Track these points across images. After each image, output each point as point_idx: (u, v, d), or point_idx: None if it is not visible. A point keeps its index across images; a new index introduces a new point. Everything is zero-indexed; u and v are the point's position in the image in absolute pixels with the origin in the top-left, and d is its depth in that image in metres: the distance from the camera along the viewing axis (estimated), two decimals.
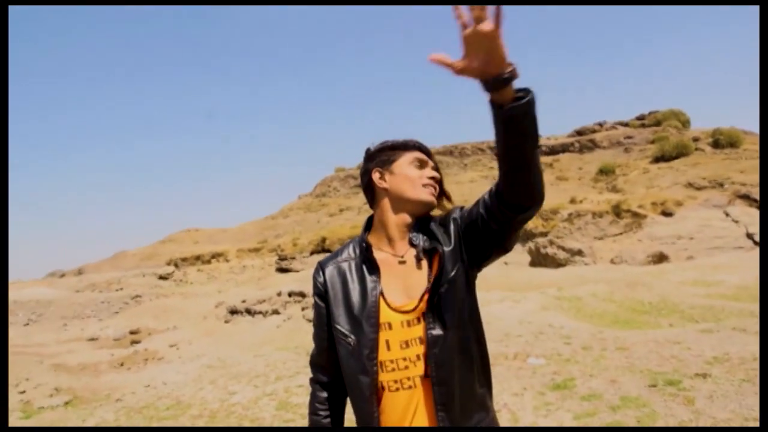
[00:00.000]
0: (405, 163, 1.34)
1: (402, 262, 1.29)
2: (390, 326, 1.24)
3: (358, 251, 1.35)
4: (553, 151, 47.08)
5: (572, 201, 28.82)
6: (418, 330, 1.22)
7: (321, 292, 1.37)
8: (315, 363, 1.46)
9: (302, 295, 18.83)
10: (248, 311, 18.36)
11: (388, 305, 1.25)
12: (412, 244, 1.30)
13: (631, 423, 3.65)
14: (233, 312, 18.31)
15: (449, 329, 1.21)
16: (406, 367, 1.23)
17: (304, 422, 4.67)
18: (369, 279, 1.29)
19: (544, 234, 25.80)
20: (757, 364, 4.30)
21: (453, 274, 1.24)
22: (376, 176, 1.35)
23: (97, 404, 7.66)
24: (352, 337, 1.26)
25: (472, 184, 42.29)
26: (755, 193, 22.68)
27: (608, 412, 3.96)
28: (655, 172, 33.05)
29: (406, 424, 1.22)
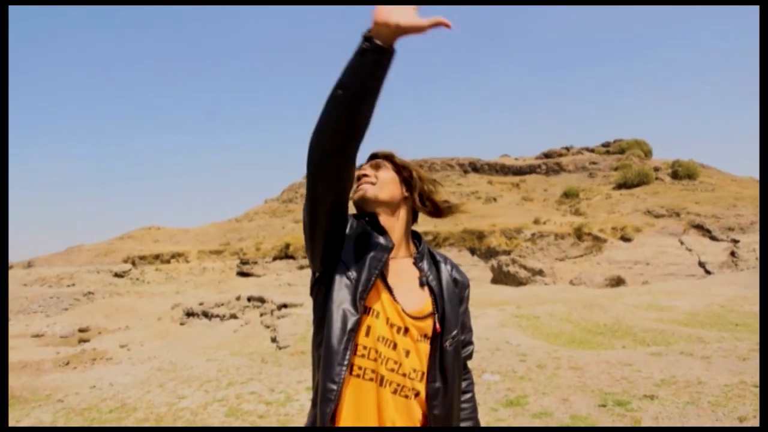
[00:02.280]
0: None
1: (392, 264, 1.30)
2: (377, 315, 1.21)
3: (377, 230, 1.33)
4: (520, 171, 48.05)
5: (536, 221, 29.39)
6: (408, 343, 1.23)
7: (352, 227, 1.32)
8: None
9: (262, 300, 18.52)
10: (205, 314, 17.93)
11: (392, 295, 1.24)
12: (414, 259, 1.35)
13: None
14: (189, 314, 17.86)
15: (449, 385, 1.26)
16: (385, 364, 1.21)
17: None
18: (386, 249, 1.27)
19: (507, 252, 26.21)
20: (701, 387, 4.43)
21: (455, 333, 1.29)
22: None
23: (35, 404, 7.31)
24: (354, 274, 1.21)
25: (453, 199, 42.58)
26: (708, 223, 23.66)
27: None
28: (617, 198, 34.08)
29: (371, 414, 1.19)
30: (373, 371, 1.20)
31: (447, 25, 1.02)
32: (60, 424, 4.62)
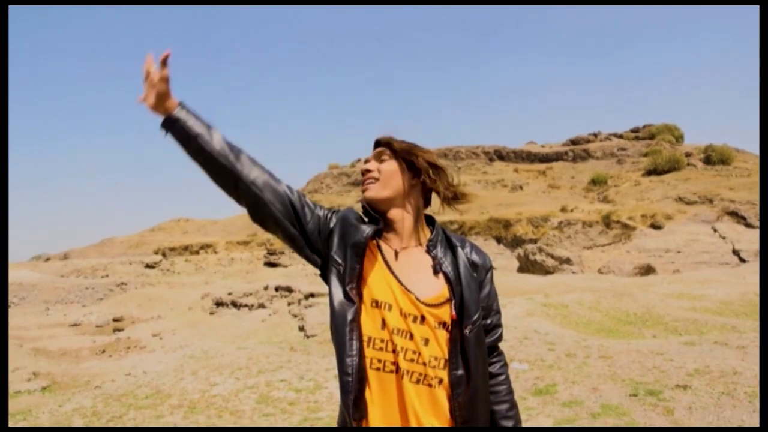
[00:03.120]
0: None
1: (396, 256, 1.28)
2: (390, 307, 1.21)
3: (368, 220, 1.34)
4: (546, 158, 47.33)
5: (563, 209, 28.97)
6: (426, 331, 1.21)
7: (328, 216, 1.33)
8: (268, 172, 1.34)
9: (289, 290, 18.77)
10: (234, 304, 18.27)
11: (403, 287, 1.23)
12: (427, 247, 1.31)
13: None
14: (219, 304, 18.22)
15: (471, 371, 1.22)
16: (404, 355, 1.20)
17: (285, 417, 4.64)
18: (368, 229, 1.28)
19: (533, 241, 25.94)
20: (736, 378, 4.33)
21: (475, 318, 1.24)
22: None
23: (75, 390, 7.58)
24: (341, 266, 1.25)
25: (465, 188, 42.28)
26: (743, 210, 22.92)
27: (588, 419, 3.96)
28: (646, 185, 33.32)
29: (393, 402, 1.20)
30: (393, 363, 1.20)
31: (166, 56, 1.27)
32: (99, 408, 4.79)
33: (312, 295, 17.14)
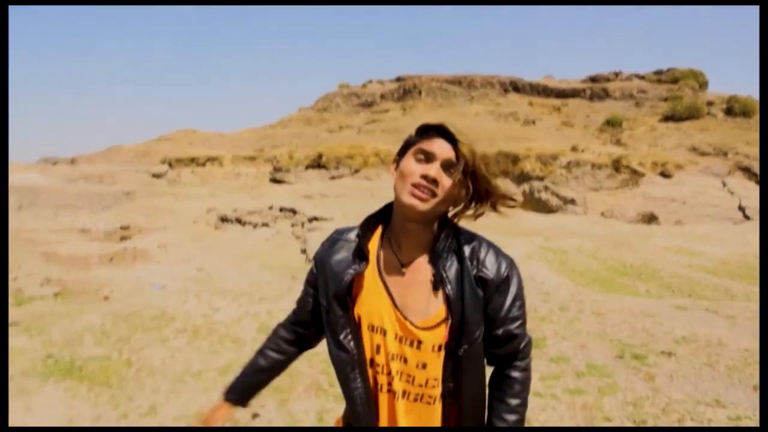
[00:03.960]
0: (410, 154, 1.16)
1: (402, 272, 1.20)
2: (384, 332, 1.19)
3: (355, 235, 1.24)
4: (563, 94, 46.02)
5: (574, 149, 28.58)
6: (423, 356, 1.19)
7: (316, 263, 1.34)
8: (293, 318, 1.53)
9: (293, 211, 19.00)
10: (239, 221, 18.55)
11: (397, 312, 1.19)
12: (430, 259, 1.19)
13: (592, 392, 3.84)
14: (224, 220, 18.51)
15: (464, 386, 1.22)
16: (399, 377, 1.21)
17: None
18: (353, 266, 1.21)
19: (540, 178, 25.82)
20: (720, 349, 4.48)
21: (477, 334, 1.18)
22: (392, 167, 1.21)
23: (85, 298, 7.90)
24: (329, 312, 1.23)
25: (476, 118, 41.56)
26: (756, 167, 22.57)
27: (572, 377, 4.15)
28: (661, 131, 32.62)
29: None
30: (389, 384, 1.21)
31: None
32: (108, 327, 5.03)
33: (315, 219, 17.38)
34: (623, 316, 5.63)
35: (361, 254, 1.21)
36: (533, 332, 5.25)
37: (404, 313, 1.18)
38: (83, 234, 14.23)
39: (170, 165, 31.21)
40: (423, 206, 1.11)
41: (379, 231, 1.26)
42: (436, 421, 1.23)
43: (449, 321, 1.16)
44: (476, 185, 1.14)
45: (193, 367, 4.28)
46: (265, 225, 18.07)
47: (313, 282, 1.37)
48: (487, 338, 1.22)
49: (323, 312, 1.27)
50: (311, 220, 17.24)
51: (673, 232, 14.34)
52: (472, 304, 1.16)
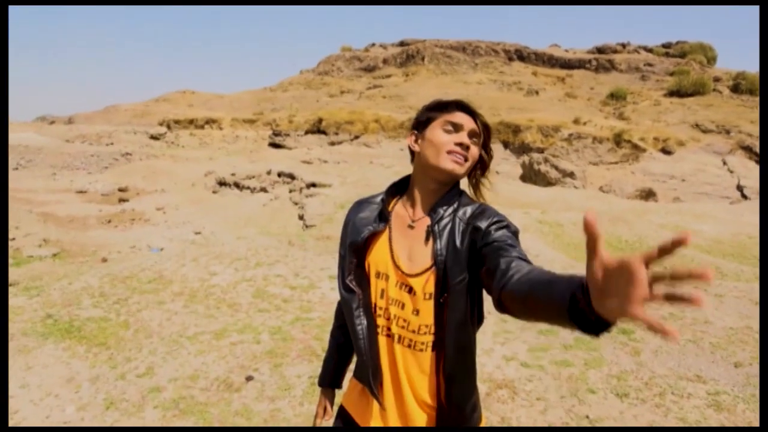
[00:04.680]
0: (437, 126, 1.31)
1: (411, 227, 1.33)
2: (387, 278, 1.32)
3: (379, 198, 1.42)
4: (568, 65, 45.36)
5: (576, 121, 28.33)
6: (417, 302, 1.28)
7: (345, 223, 1.45)
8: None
9: (292, 176, 18.93)
10: (237, 185, 18.53)
11: (394, 260, 1.31)
12: (430, 216, 1.30)
13: (579, 364, 3.95)
14: (222, 184, 18.48)
15: (447, 335, 1.28)
16: (396, 322, 1.32)
17: (279, 314, 4.95)
18: (372, 224, 1.36)
19: (540, 150, 25.70)
20: (705, 327, 4.58)
21: (457, 281, 1.24)
22: (411, 139, 1.37)
23: (83, 259, 7.97)
24: (343, 257, 1.39)
25: (479, 86, 41.06)
26: (758, 146, 22.46)
27: (560, 349, 4.26)
28: (665, 106, 32.27)
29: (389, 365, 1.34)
30: (387, 328, 1.33)
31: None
32: (106, 290, 5.10)
33: (314, 185, 17.34)
34: None
35: (381, 216, 1.36)
36: None
37: (397, 262, 1.31)
38: (81, 195, 14.23)
39: (168, 126, 30.95)
40: (461, 170, 1.28)
41: (397, 197, 1.42)
42: (426, 369, 1.32)
43: (433, 269, 1.26)
44: (488, 154, 1.34)
45: (189, 330, 4.37)
46: (263, 190, 18.06)
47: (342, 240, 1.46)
48: (488, 267, 1.16)
49: (339, 258, 1.42)
50: (309, 186, 17.19)
51: (669, 210, 14.37)
52: (453, 255, 1.24)
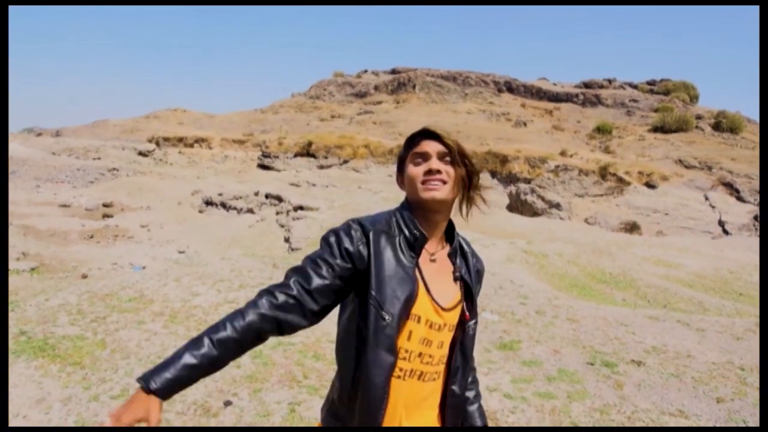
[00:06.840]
0: (408, 162, 1.33)
1: (432, 260, 1.35)
2: (419, 319, 1.28)
3: (406, 231, 1.29)
4: (556, 98, 46.27)
5: (563, 153, 28.82)
6: (442, 336, 1.34)
7: (358, 253, 1.25)
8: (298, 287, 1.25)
9: (279, 199, 18.91)
10: (223, 205, 18.44)
11: (432, 297, 1.30)
12: (442, 246, 1.38)
13: (562, 397, 3.92)
14: (208, 203, 18.38)
15: (467, 362, 1.43)
16: (420, 360, 1.31)
17: None
18: (410, 263, 1.27)
19: (527, 180, 26.02)
20: (688, 361, 4.59)
21: (475, 321, 1.43)
22: (399, 181, 1.40)
23: (63, 275, 7.81)
24: (390, 313, 1.22)
25: (469, 116, 41.64)
26: (739, 183, 22.99)
27: (544, 381, 4.22)
28: (650, 141, 32.99)
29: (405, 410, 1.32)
30: (412, 370, 1.30)
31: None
32: (84, 307, 4.98)
33: (301, 208, 17.30)
34: (597, 323, 5.73)
35: (413, 255, 1.31)
36: (509, 335, 5.33)
37: (436, 298, 1.32)
38: (64, 209, 14.02)
39: (157, 144, 30.84)
40: (440, 194, 1.28)
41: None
42: (435, 399, 1.39)
43: (463, 303, 1.37)
44: (468, 169, 1.33)
45: (168, 351, 4.27)
46: (250, 211, 17.98)
47: (355, 252, 1.26)
48: None
49: (372, 309, 1.23)
50: (296, 208, 17.16)
51: (652, 243, 14.55)
52: (475, 281, 1.43)
